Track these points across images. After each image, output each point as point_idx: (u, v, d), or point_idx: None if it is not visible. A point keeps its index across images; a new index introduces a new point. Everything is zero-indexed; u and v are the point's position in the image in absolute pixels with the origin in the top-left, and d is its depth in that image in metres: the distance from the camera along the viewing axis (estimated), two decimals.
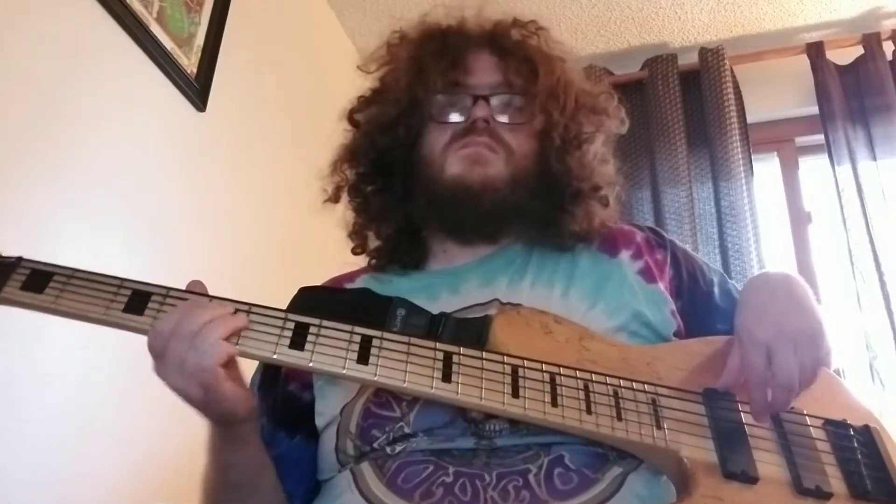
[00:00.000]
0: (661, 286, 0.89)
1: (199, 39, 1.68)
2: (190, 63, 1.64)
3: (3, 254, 0.77)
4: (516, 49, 0.94)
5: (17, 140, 1.19)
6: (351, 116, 1.02)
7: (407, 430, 0.77)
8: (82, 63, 1.34)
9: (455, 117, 0.92)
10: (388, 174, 0.96)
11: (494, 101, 0.91)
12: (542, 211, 0.92)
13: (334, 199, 1.00)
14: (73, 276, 0.75)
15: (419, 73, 0.93)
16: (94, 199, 1.34)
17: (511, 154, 0.90)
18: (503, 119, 0.91)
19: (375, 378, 0.72)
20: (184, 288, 0.77)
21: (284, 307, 0.79)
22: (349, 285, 0.97)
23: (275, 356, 0.73)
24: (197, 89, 1.65)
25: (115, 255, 1.37)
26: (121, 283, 0.75)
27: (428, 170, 0.92)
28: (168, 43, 1.56)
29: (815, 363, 0.76)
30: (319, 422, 0.85)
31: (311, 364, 0.73)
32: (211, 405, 0.73)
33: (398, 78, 0.95)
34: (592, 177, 0.95)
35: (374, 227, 1.00)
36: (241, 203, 1.84)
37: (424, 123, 0.93)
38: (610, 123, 1.00)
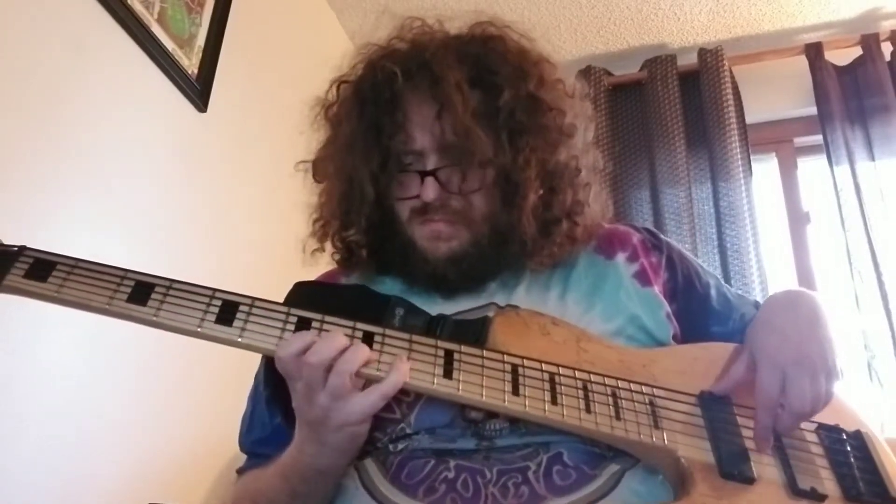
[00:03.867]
0: (656, 289, 0.89)
1: (200, 40, 1.69)
2: (191, 64, 1.65)
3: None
4: (452, 96, 0.83)
5: (17, 140, 1.19)
6: (315, 172, 1.00)
7: (408, 430, 0.77)
8: (83, 63, 1.35)
9: (408, 193, 0.87)
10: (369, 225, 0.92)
11: (442, 175, 0.84)
12: (522, 251, 0.88)
13: (321, 247, 0.99)
14: (77, 266, 0.76)
15: (362, 159, 0.87)
16: (94, 199, 1.35)
17: (471, 221, 0.87)
18: (455, 190, 0.85)
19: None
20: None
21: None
22: (344, 280, 0.97)
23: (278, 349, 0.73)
24: (198, 90, 1.66)
25: (116, 254, 1.37)
26: (124, 273, 0.75)
27: (401, 229, 0.89)
28: (169, 44, 1.56)
29: (828, 395, 0.77)
30: None
31: None
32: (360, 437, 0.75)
33: (343, 162, 0.90)
34: (560, 210, 0.89)
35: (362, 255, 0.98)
36: (242, 203, 1.84)
37: (386, 193, 0.89)
38: (576, 140, 0.92)
